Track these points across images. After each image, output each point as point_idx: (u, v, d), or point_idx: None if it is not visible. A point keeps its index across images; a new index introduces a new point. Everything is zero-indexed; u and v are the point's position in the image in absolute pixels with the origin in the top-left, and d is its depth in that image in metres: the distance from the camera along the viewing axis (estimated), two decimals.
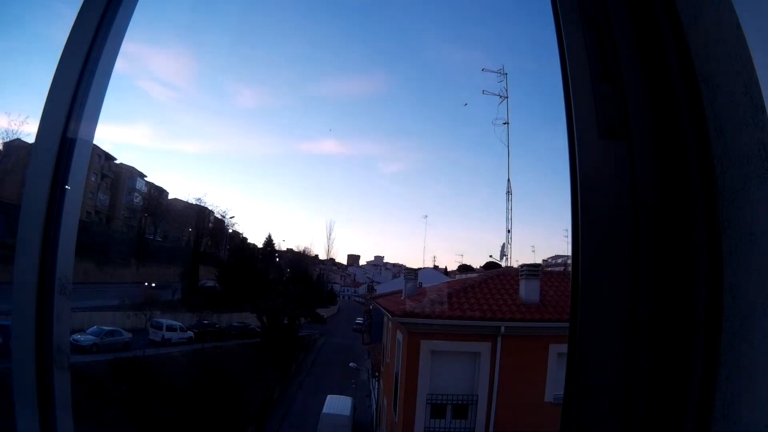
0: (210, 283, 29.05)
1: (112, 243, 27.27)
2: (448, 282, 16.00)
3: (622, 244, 0.81)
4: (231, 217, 34.55)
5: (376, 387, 16.90)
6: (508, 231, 16.39)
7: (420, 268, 23.48)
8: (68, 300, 1.14)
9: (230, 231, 35.07)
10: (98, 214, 28.48)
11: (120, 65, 1.31)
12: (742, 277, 0.70)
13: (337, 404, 16.54)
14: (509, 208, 16.72)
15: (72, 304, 1.17)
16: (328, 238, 47.10)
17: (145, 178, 31.93)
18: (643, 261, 0.80)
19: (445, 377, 9.67)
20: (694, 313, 0.77)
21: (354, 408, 17.08)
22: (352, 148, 47.44)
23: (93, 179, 27.56)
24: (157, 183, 32.34)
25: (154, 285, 25.58)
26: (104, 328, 18.40)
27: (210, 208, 33.20)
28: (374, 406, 17.39)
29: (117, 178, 30.30)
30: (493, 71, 16.29)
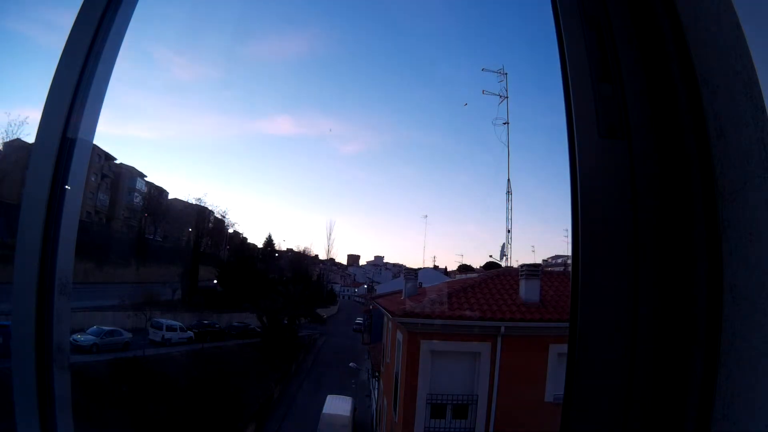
0: (210, 284, 29.09)
1: (112, 243, 27.27)
2: (448, 282, 16.00)
3: (622, 244, 0.81)
4: (227, 217, 34.46)
5: (376, 387, 16.90)
6: (508, 231, 16.39)
7: (420, 268, 23.48)
8: (68, 300, 1.14)
9: (230, 231, 35.11)
10: (98, 214, 28.49)
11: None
12: (742, 277, 0.70)
13: (337, 404, 16.54)
14: (509, 208, 16.71)
15: (72, 304, 1.17)
16: (328, 238, 47.12)
17: (145, 178, 31.96)
18: (643, 261, 0.80)
19: (445, 377, 9.67)
20: (694, 312, 0.77)
21: (354, 408, 17.07)
22: (309, 127, 41.31)
23: (93, 179, 27.57)
24: (157, 183, 32.40)
25: (154, 284, 25.57)
26: (104, 328, 18.39)
27: (210, 208, 33.22)
28: (374, 406, 17.38)
29: (117, 178, 30.32)
30: (493, 71, 16.27)
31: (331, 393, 18.01)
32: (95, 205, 28.15)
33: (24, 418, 1.07)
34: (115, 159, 30.37)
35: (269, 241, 36.49)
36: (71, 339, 11.75)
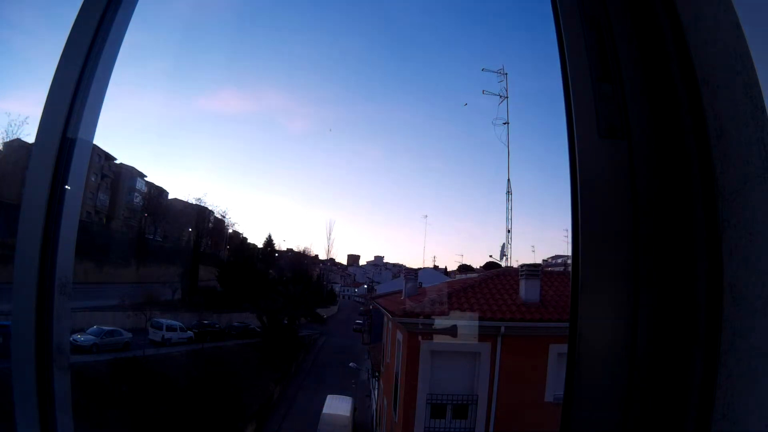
0: (210, 284, 29.08)
1: (112, 243, 27.26)
2: (448, 282, 16.00)
3: (622, 244, 0.81)
4: (227, 217, 34.33)
5: (376, 387, 16.89)
6: (508, 231, 16.38)
7: (420, 268, 23.47)
8: (68, 300, 1.14)
9: (230, 231, 35.10)
10: (98, 214, 28.47)
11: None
12: (742, 277, 0.70)
13: (337, 404, 16.54)
14: (509, 208, 16.70)
15: (72, 304, 1.17)
16: (328, 238, 47.11)
17: (145, 178, 31.95)
18: (643, 261, 0.80)
19: (445, 377, 9.67)
20: (694, 312, 0.77)
21: (354, 408, 17.08)
22: (255, 102, 35.16)
23: (93, 179, 27.55)
24: (157, 183, 32.37)
25: (154, 284, 25.58)
26: (104, 328, 18.38)
27: (210, 208, 33.20)
28: (374, 406, 17.38)
29: (117, 178, 30.30)
30: (493, 71, 16.25)
31: (331, 393, 18.01)
32: (95, 205, 28.13)
33: (24, 418, 1.07)
34: (115, 159, 30.36)
35: (269, 241, 36.45)
36: (71, 339, 11.75)
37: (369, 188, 46.49)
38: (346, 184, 47.17)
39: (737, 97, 0.70)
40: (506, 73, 15.98)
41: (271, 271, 34.31)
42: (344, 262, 46.49)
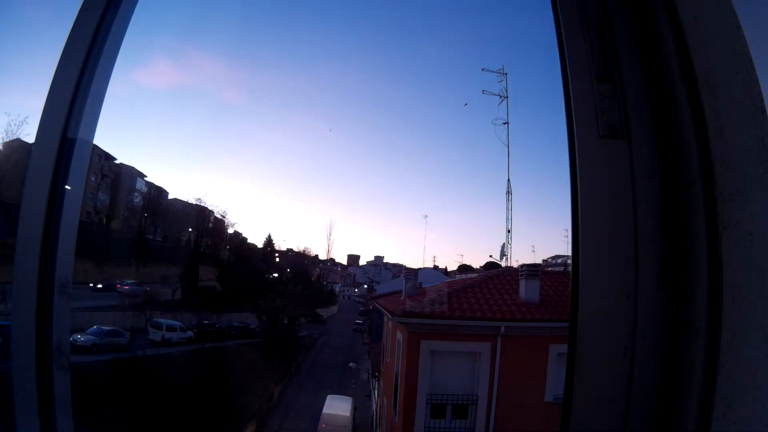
0: (210, 284, 29.09)
1: (112, 243, 27.25)
2: (448, 282, 16.00)
3: (622, 245, 0.81)
4: (227, 217, 34.27)
5: (376, 387, 16.89)
6: (508, 231, 16.39)
7: (420, 268, 23.48)
8: (68, 300, 1.14)
9: (230, 231, 35.10)
10: (98, 214, 28.46)
11: None
12: (742, 277, 0.70)
13: (337, 404, 16.55)
14: (509, 208, 16.71)
15: (72, 304, 1.17)
16: (328, 238, 47.15)
17: (145, 178, 31.95)
18: (643, 261, 0.80)
19: (445, 377, 9.67)
20: (694, 312, 0.77)
21: (354, 408, 17.08)
22: (189, 72, 30.30)
23: (93, 179, 27.54)
24: (157, 183, 32.35)
25: (154, 284, 25.60)
26: (104, 328, 18.37)
27: (210, 208, 33.20)
28: (374, 406, 17.38)
29: (117, 178, 30.29)
30: (493, 71, 16.25)
31: (331, 393, 18.01)
32: (95, 205, 28.13)
33: (24, 418, 1.07)
34: (115, 159, 30.34)
35: (269, 241, 36.44)
36: (71, 339, 11.75)
37: (369, 188, 46.57)
38: (346, 184, 47.25)
39: (737, 97, 0.70)
40: (506, 73, 16.00)
41: (271, 271, 34.32)
42: (344, 262, 46.54)
